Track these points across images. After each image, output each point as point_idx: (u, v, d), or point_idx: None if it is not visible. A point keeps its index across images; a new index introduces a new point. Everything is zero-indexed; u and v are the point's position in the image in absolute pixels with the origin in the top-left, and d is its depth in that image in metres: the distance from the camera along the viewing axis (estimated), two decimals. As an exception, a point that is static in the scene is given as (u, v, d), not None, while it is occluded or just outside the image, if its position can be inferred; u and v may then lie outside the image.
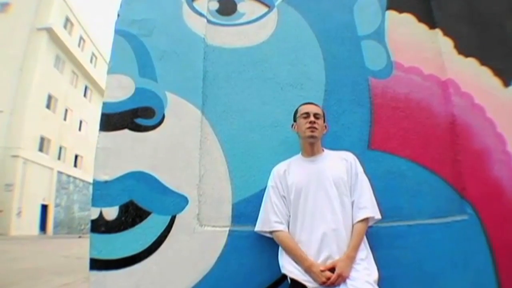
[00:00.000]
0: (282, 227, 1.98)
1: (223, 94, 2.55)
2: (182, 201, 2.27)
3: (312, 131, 2.04)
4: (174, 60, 2.57)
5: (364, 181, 2.04)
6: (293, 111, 2.22)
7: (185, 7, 2.72)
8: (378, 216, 1.98)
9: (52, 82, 24.26)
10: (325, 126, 2.17)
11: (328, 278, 1.73)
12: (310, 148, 2.10)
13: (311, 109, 2.11)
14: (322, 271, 1.76)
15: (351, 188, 2.01)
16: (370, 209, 1.95)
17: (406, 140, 2.48)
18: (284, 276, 1.93)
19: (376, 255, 1.93)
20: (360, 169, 2.08)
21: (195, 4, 2.74)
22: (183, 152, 2.37)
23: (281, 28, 2.73)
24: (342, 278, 1.73)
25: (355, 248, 1.85)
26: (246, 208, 2.27)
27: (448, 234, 2.27)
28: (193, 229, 2.23)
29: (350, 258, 1.81)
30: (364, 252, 1.89)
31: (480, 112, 2.53)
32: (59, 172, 25.46)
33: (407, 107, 2.56)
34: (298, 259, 1.87)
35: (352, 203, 1.98)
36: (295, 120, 2.19)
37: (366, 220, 1.94)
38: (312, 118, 2.05)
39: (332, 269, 1.77)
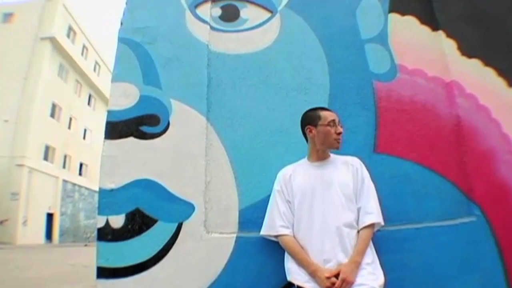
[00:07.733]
0: (287, 231, 1.97)
1: (228, 100, 2.56)
2: (188, 208, 2.27)
3: (339, 142, 2.02)
4: (178, 67, 2.58)
5: (370, 187, 2.02)
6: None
7: (188, 14, 2.74)
8: (382, 223, 1.96)
9: (56, 91, 24.40)
10: None
11: (333, 284, 1.71)
12: (322, 154, 2.08)
13: (337, 117, 2.05)
14: (328, 277, 1.73)
15: (357, 193, 1.99)
16: (376, 214, 1.94)
17: (411, 142, 2.47)
18: (291, 283, 1.91)
19: (383, 258, 1.92)
20: (366, 174, 2.06)
21: (198, 11, 2.76)
22: (188, 159, 2.38)
23: (284, 33, 2.74)
24: (347, 283, 1.71)
25: (360, 253, 1.83)
26: (253, 214, 2.27)
27: (456, 236, 2.25)
28: (200, 236, 2.23)
29: (355, 263, 1.79)
30: (370, 257, 1.87)
31: (485, 113, 2.51)
32: (64, 181, 25.52)
33: (412, 109, 2.55)
34: (303, 263, 1.85)
35: (359, 209, 1.96)
36: (313, 125, 2.05)
37: (372, 225, 1.92)
38: (340, 129, 2.02)
39: (338, 275, 1.74)
